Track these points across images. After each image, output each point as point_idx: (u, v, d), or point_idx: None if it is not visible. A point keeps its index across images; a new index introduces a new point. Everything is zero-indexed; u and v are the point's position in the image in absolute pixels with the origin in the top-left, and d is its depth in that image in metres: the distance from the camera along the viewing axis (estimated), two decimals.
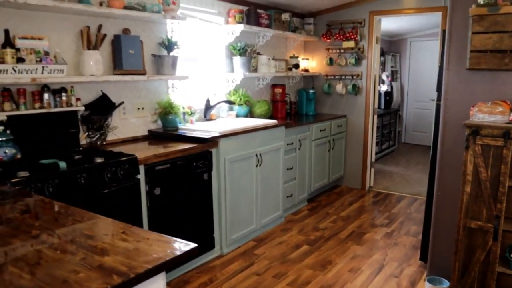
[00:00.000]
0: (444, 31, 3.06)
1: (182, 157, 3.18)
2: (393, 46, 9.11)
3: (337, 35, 5.58)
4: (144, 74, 3.42)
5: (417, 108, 9.05)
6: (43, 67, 2.71)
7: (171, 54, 3.64)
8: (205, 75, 4.41)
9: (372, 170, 5.89)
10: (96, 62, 3.03)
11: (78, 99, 3.07)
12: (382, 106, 8.03)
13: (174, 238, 1.38)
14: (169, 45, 3.63)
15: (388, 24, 6.80)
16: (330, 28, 5.69)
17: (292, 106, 5.64)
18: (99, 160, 2.65)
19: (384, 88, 8.12)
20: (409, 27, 7.84)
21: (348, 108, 5.77)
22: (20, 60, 2.65)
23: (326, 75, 5.86)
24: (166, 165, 3.05)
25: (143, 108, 3.67)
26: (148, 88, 3.71)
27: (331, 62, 5.76)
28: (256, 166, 3.96)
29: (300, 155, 4.81)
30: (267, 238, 4.11)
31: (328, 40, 5.68)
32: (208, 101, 4.27)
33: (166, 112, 3.70)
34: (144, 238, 1.37)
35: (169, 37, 3.67)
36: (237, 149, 3.71)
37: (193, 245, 1.33)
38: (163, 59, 3.58)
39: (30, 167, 2.46)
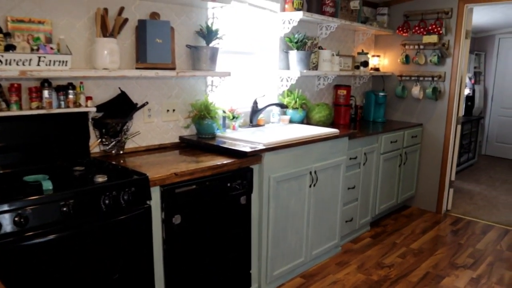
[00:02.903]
0: None
1: (213, 175, 2.50)
2: (477, 43, 7.95)
3: (417, 28, 4.66)
4: (173, 69, 2.77)
5: (503, 115, 7.89)
6: (39, 57, 2.12)
7: (210, 45, 2.98)
8: (253, 72, 3.70)
9: (451, 190, 4.91)
10: (111, 52, 2.41)
11: (88, 98, 2.48)
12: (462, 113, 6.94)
13: None
14: (208, 34, 2.96)
15: (477, 17, 5.71)
16: (408, 20, 4.78)
17: (357, 111, 4.81)
18: (100, 179, 2.03)
19: (465, 91, 7.01)
20: (502, 20, 6.64)
21: (425, 116, 4.84)
22: (9, 47, 2.08)
23: (400, 76, 4.96)
24: (191, 186, 2.38)
25: (174, 110, 3.03)
26: (181, 86, 3.06)
27: (407, 60, 4.85)
28: (310, 186, 3.21)
29: (364, 172, 3.98)
30: (318, 274, 3.35)
31: (405, 34, 4.77)
32: (255, 103, 3.56)
33: (201, 116, 3.03)
34: None
35: (209, 24, 2.99)
36: (287, 165, 2.98)
37: None
38: (200, 51, 2.92)
39: (8, 186, 1.89)
